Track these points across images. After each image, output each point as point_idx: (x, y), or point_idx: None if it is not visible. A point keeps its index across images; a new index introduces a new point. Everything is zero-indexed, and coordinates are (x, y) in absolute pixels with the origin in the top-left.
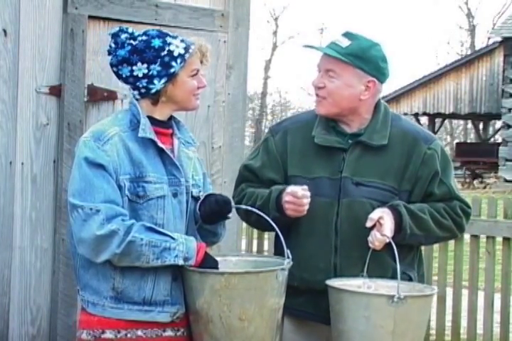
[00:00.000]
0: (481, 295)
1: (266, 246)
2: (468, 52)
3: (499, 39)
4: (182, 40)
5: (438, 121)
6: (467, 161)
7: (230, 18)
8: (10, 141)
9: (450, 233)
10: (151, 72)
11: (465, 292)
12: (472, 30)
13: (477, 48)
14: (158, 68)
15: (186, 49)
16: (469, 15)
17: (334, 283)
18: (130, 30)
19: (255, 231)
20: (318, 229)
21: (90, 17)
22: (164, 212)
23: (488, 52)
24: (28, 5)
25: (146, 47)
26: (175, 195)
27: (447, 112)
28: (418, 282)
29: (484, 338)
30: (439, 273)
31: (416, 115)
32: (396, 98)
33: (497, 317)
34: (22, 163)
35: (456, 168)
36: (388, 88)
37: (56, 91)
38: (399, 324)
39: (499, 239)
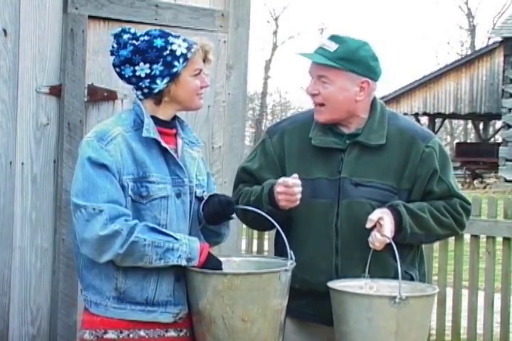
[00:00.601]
0: (481, 295)
1: (266, 246)
2: (469, 52)
3: (499, 39)
4: (184, 40)
5: (438, 121)
6: (467, 161)
7: (230, 18)
8: (10, 141)
9: (451, 230)
10: (153, 72)
11: (465, 292)
12: (472, 30)
13: (477, 48)
14: (161, 68)
15: (189, 48)
16: (469, 15)
17: (336, 284)
18: (132, 31)
19: (255, 231)
20: (319, 230)
21: (90, 17)
22: (167, 212)
23: (488, 52)
24: (28, 5)
25: (148, 47)
26: (178, 195)
27: (447, 112)
28: (420, 281)
29: (484, 338)
30: (439, 273)
31: (416, 115)
32: (396, 98)
33: (497, 317)
34: (22, 163)
35: (456, 168)
36: (388, 88)
37: (56, 91)
38: (401, 324)
39: (499, 239)
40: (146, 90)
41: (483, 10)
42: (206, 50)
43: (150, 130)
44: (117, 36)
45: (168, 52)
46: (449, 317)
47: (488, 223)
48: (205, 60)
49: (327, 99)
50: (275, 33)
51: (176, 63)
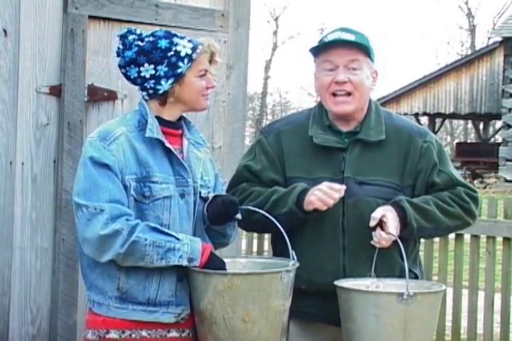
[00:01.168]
0: (481, 295)
1: (266, 247)
2: (469, 52)
3: (499, 39)
4: (189, 41)
5: (438, 121)
6: (467, 161)
7: (230, 18)
8: (10, 141)
9: (461, 221)
10: (158, 73)
11: (465, 292)
12: (472, 30)
13: (477, 48)
14: (165, 69)
15: (193, 49)
16: (469, 15)
17: (342, 284)
18: (138, 32)
19: None
20: (325, 230)
21: (90, 17)
22: (170, 212)
23: (488, 52)
24: (28, 5)
25: (152, 48)
26: (182, 196)
27: (447, 112)
28: (421, 278)
29: (484, 338)
30: (439, 273)
31: (416, 115)
32: (396, 98)
33: (497, 317)
34: (22, 163)
35: (456, 168)
36: (388, 88)
37: (56, 91)
38: (409, 321)
39: (499, 239)
40: (151, 91)
41: (483, 10)
42: (212, 51)
43: (153, 130)
44: (123, 37)
45: (172, 53)
46: (449, 317)
47: (488, 223)
48: (211, 61)
49: (357, 86)
50: (275, 33)
51: (180, 64)
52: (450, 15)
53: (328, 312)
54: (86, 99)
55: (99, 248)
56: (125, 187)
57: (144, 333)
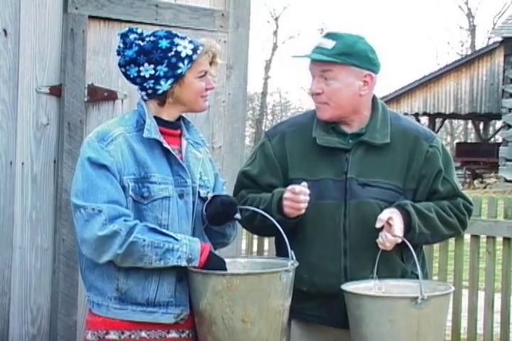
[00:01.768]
0: (481, 295)
1: (266, 246)
2: (469, 52)
3: (499, 39)
4: (190, 41)
5: (438, 121)
6: (467, 161)
7: (230, 18)
8: (10, 141)
9: (454, 230)
10: (157, 73)
11: (465, 292)
12: (472, 30)
13: (477, 48)
14: (165, 69)
15: (194, 50)
16: (469, 15)
17: (349, 287)
18: (139, 31)
19: None
20: (327, 231)
21: (90, 17)
22: (169, 212)
23: (488, 52)
24: (29, 5)
25: (153, 47)
26: (181, 196)
27: (447, 112)
28: None
29: (484, 338)
30: (439, 273)
31: (416, 115)
32: (396, 98)
33: (497, 317)
34: (22, 163)
35: (456, 168)
36: (388, 88)
37: (56, 91)
38: (423, 324)
39: (499, 239)
40: (150, 91)
41: (483, 10)
42: (213, 52)
43: (151, 130)
44: (124, 36)
45: (172, 53)
46: (449, 317)
47: (488, 223)
48: (212, 62)
49: (331, 96)
50: (275, 33)
51: (180, 64)
52: (450, 16)
53: (329, 314)
54: (86, 99)
55: (98, 249)
56: (123, 188)
57: (143, 334)
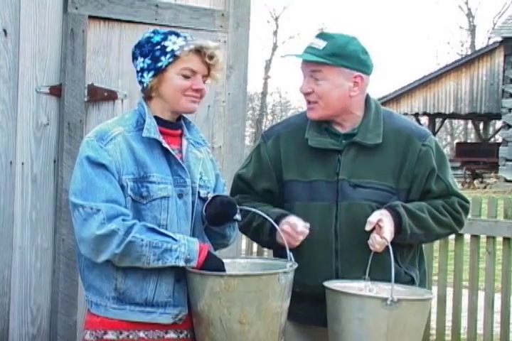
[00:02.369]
0: (481, 295)
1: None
2: (469, 52)
3: (499, 39)
4: (185, 40)
5: (438, 121)
6: (467, 161)
7: (230, 18)
8: (10, 141)
9: (450, 229)
10: (143, 66)
11: (465, 292)
12: (472, 30)
13: (477, 48)
14: (148, 61)
15: (182, 46)
16: (469, 15)
17: (334, 284)
18: (160, 31)
19: None
20: (318, 233)
21: (90, 17)
22: (168, 212)
23: (488, 52)
24: (29, 5)
25: (146, 42)
26: (180, 196)
27: (447, 112)
28: (420, 280)
29: (484, 338)
30: (439, 273)
31: (416, 115)
32: (396, 98)
33: (497, 317)
34: (22, 163)
35: (456, 168)
36: (388, 88)
37: (56, 91)
38: (392, 327)
39: (499, 239)
40: (140, 85)
41: (483, 10)
42: (205, 52)
43: (151, 130)
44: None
45: (159, 47)
46: (449, 317)
47: (488, 223)
48: (209, 64)
49: (321, 96)
50: (275, 33)
51: (162, 58)
52: (450, 15)
53: (321, 314)
54: (86, 99)
55: (95, 248)
56: (122, 187)
57: (141, 334)
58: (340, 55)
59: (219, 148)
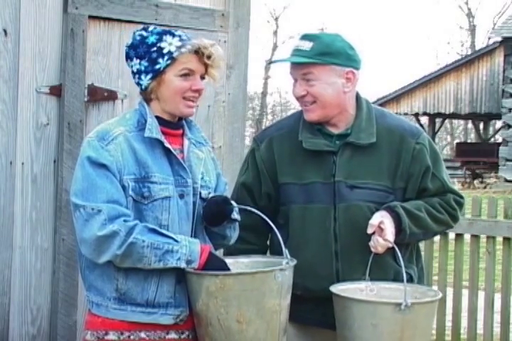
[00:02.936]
0: (481, 295)
1: None
2: (469, 52)
3: (499, 39)
4: (181, 40)
5: (438, 121)
6: (467, 161)
7: (230, 18)
8: (10, 141)
9: (446, 226)
10: (140, 68)
11: (465, 292)
12: (472, 30)
13: (477, 48)
14: (146, 64)
15: (179, 47)
16: (469, 15)
17: (336, 288)
18: (150, 28)
19: None
20: (317, 236)
21: (90, 17)
22: (169, 212)
23: (488, 52)
24: (29, 5)
25: (140, 42)
26: (181, 196)
27: (447, 112)
28: (418, 276)
29: (484, 338)
30: (439, 273)
31: (416, 115)
32: (396, 98)
33: (497, 317)
34: (22, 163)
35: (456, 168)
36: (388, 88)
37: (56, 91)
38: (406, 330)
39: (499, 239)
40: (138, 86)
41: (483, 10)
42: (204, 53)
43: (152, 130)
44: (133, 33)
45: (155, 48)
46: (449, 317)
47: (488, 223)
48: (208, 64)
49: (317, 96)
50: (275, 33)
51: (160, 60)
52: (450, 15)
53: (324, 317)
54: (86, 99)
55: (97, 249)
56: (123, 188)
57: (142, 334)
58: (329, 53)
59: (219, 148)
